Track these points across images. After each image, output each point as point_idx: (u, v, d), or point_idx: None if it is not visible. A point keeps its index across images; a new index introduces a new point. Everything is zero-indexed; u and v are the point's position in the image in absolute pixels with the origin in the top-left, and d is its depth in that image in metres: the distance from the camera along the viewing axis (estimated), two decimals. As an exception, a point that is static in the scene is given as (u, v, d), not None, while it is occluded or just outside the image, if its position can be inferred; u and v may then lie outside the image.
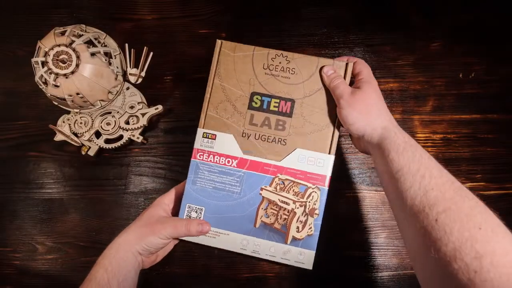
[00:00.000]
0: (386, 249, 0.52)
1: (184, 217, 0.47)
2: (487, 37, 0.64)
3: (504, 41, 0.63)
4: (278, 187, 0.46)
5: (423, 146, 0.38)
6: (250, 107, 0.47)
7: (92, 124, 0.56)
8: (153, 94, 0.60)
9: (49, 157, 0.58)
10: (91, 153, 0.56)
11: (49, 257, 0.53)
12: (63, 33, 0.52)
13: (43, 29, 0.55)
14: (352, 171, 0.56)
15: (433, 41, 0.64)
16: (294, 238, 0.45)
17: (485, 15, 0.65)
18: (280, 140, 0.47)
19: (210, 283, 0.51)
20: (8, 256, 0.54)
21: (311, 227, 0.45)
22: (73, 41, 0.51)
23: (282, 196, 0.46)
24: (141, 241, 0.43)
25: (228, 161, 0.47)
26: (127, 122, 0.56)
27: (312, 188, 0.46)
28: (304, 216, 0.45)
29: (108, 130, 0.56)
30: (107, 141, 0.56)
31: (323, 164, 0.46)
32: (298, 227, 0.45)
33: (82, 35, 0.53)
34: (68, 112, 0.57)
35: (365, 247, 0.52)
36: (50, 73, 0.50)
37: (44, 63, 0.50)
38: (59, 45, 0.50)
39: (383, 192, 0.55)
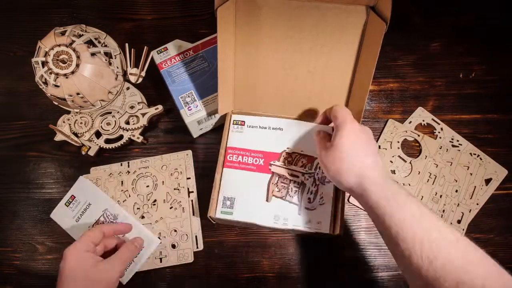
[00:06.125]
0: (386, 249, 0.52)
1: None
2: (487, 37, 0.64)
3: (504, 41, 0.63)
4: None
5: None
6: None
7: (92, 124, 0.56)
8: (153, 94, 0.60)
9: (49, 157, 0.58)
10: (91, 153, 0.56)
11: (49, 257, 0.53)
12: (63, 33, 0.52)
13: (43, 29, 0.55)
14: (352, 171, 0.56)
15: (433, 41, 0.64)
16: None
17: (485, 15, 0.65)
18: None
19: (210, 283, 0.51)
20: (8, 256, 0.53)
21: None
22: (73, 41, 0.51)
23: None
24: None
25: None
26: (127, 122, 0.56)
27: None
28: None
29: (108, 130, 0.56)
30: (107, 141, 0.56)
31: None
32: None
33: (82, 35, 0.53)
34: (68, 112, 0.57)
35: (365, 247, 0.52)
36: (50, 73, 0.50)
37: (44, 63, 0.50)
38: (59, 45, 0.50)
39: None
